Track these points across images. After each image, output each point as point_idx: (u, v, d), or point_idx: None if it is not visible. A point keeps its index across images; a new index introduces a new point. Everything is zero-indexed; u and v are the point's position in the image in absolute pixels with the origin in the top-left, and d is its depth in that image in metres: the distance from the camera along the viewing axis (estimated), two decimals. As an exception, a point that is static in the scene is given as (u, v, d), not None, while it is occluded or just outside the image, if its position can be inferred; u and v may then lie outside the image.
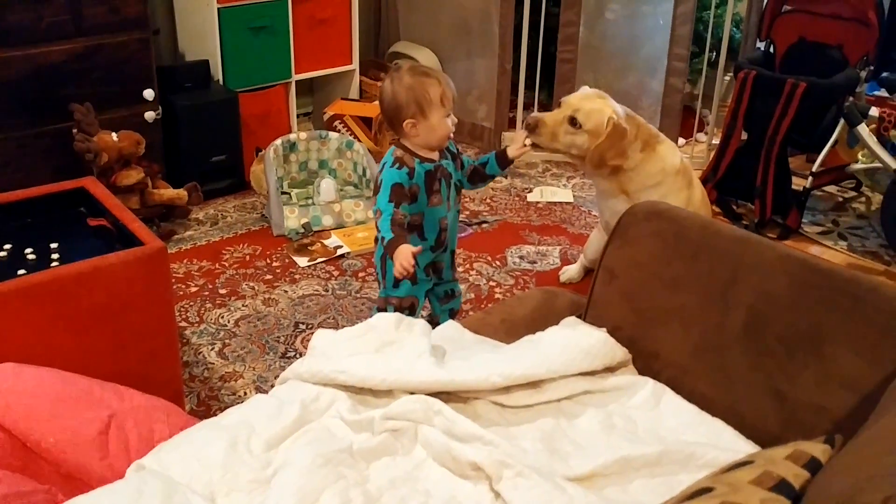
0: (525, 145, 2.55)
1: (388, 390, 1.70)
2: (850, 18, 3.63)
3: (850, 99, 3.56)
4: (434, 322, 2.45)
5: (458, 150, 2.49)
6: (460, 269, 3.31)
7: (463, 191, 2.60)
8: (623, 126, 2.70)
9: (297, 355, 2.74)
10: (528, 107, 4.47)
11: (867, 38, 3.58)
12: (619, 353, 1.86)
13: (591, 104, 2.72)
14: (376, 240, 2.44)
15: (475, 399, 1.72)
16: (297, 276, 3.25)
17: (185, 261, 3.33)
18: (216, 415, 1.83)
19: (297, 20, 4.06)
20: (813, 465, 1.17)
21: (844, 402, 1.53)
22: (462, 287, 3.18)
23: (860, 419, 1.35)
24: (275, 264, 3.34)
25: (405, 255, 2.18)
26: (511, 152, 2.51)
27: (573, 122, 2.70)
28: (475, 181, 2.54)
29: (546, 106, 4.58)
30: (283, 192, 3.71)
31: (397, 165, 2.33)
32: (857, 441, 1.18)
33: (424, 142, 2.35)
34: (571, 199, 3.97)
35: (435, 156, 2.38)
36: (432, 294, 2.61)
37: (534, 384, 1.74)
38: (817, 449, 1.21)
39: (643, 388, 1.79)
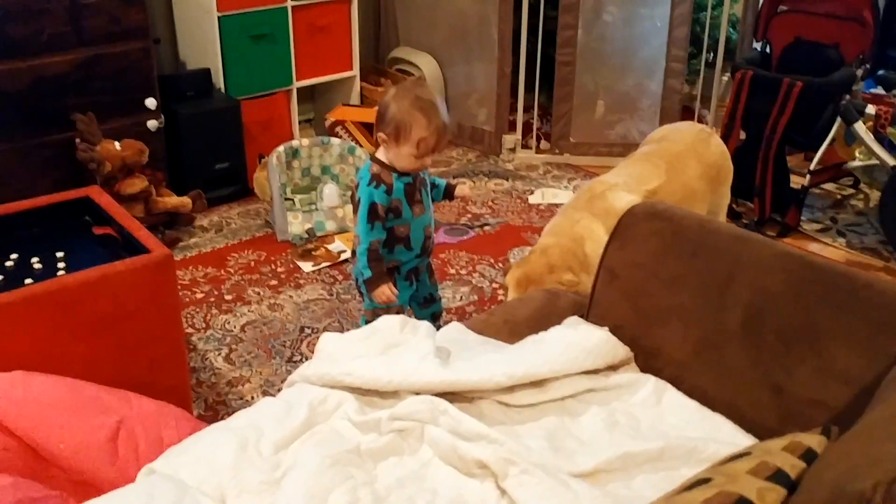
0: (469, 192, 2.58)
1: (395, 391, 1.72)
2: (845, 17, 3.66)
3: (847, 97, 3.59)
4: None
5: None
6: (463, 271, 3.34)
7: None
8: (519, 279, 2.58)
9: (303, 359, 2.77)
10: (527, 109, 4.50)
11: (863, 37, 3.61)
12: (621, 351, 1.89)
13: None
14: (354, 253, 2.47)
15: (480, 399, 1.74)
16: (301, 281, 3.28)
17: (190, 268, 3.36)
18: (224, 419, 1.85)
19: (298, 27, 4.09)
20: (809, 456, 1.19)
21: (841, 396, 1.55)
22: (465, 289, 3.21)
23: (857, 412, 1.37)
24: (279, 270, 3.37)
25: (386, 296, 2.37)
26: (458, 191, 2.54)
27: None
28: None
29: (546, 108, 4.61)
30: (286, 198, 3.74)
31: (374, 184, 2.32)
32: (850, 432, 1.20)
33: (393, 160, 2.34)
34: (572, 201, 3.99)
35: None
36: (413, 300, 2.62)
37: (537, 383, 1.76)
38: (813, 440, 1.23)
39: (645, 385, 1.82)
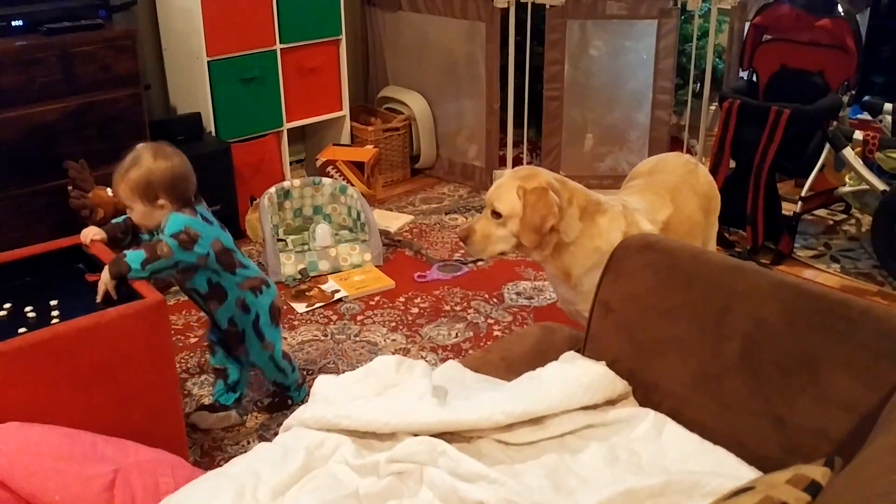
0: None
1: (392, 433, 1.71)
2: (829, 45, 3.70)
3: (834, 124, 3.61)
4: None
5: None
6: (457, 307, 3.33)
7: None
8: (537, 186, 2.42)
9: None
10: (517, 144, 4.53)
11: (847, 64, 3.65)
12: (620, 385, 1.88)
13: (501, 189, 2.48)
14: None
15: (478, 438, 1.73)
16: (295, 322, 3.27)
17: (183, 312, 3.34)
18: (220, 465, 1.83)
19: (287, 70, 4.12)
20: (813, 489, 1.18)
21: (843, 425, 1.54)
22: (460, 325, 3.19)
23: (859, 441, 1.37)
24: (273, 312, 3.35)
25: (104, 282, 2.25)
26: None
27: (496, 215, 2.47)
28: None
29: (535, 143, 4.64)
30: (278, 240, 3.74)
31: None
32: (854, 463, 1.19)
33: None
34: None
35: None
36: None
37: (536, 421, 1.75)
38: (817, 472, 1.22)
39: (644, 419, 1.81)
